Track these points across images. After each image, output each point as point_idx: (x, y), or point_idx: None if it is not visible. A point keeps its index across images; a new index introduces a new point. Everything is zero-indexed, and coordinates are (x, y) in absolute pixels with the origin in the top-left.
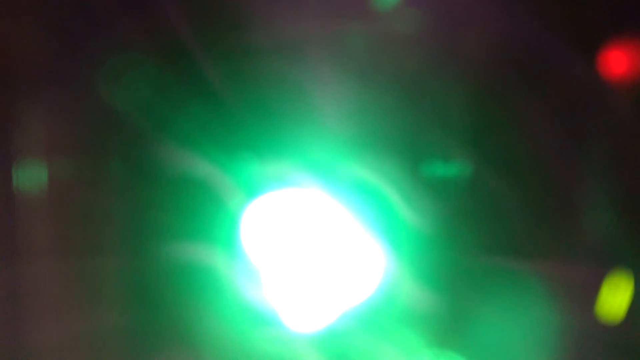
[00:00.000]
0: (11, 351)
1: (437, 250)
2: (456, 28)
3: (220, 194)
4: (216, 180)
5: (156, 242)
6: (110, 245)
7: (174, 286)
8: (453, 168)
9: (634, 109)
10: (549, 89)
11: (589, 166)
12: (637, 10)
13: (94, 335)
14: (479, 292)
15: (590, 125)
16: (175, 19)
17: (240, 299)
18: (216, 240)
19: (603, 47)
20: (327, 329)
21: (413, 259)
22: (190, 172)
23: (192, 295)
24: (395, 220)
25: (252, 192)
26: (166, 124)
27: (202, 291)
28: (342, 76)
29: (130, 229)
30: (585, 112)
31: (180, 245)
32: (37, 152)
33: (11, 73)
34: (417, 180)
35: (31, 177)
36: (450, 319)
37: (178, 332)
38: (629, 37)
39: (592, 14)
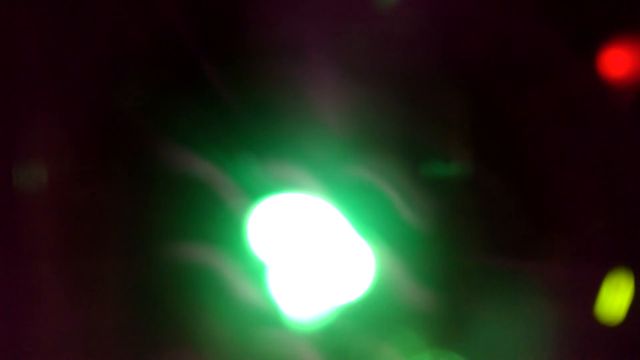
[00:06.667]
0: (11, 350)
1: (436, 250)
2: (456, 28)
3: (222, 196)
4: (218, 181)
5: (157, 243)
6: (111, 246)
7: (174, 286)
8: (453, 168)
9: (634, 109)
10: (549, 89)
11: (589, 166)
12: (637, 10)
13: (94, 335)
14: (478, 292)
15: (590, 125)
16: (176, 20)
17: (241, 299)
18: (217, 241)
19: (603, 47)
20: (327, 328)
21: (413, 258)
22: (191, 172)
23: (193, 296)
24: (395, 220)
25: (254, 194)
26: (168, 124)
27: (203, 291)
28: (343, 76)
29: (131, 230)
30: (585, 111)
31: (181, 246)
32: (37, 152)
33: (12, 73)
34: (417, 180)
35: (31, 177)
36: (450, 319)
37: (179, 332)
38: (629, 37)
39: (592, 14)
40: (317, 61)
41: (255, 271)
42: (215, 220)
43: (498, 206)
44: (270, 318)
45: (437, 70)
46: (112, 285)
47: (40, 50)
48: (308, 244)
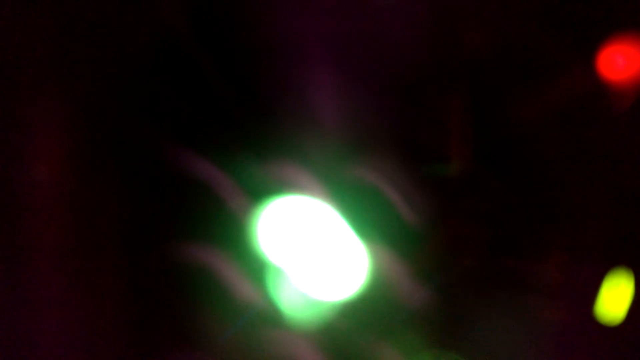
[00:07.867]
0: (11, 350)
1: (436, 250)
2: (455, 28)
3: (223, 197)
4: (218, 182)
5: (157, 243)
6: (113, 247)
7: (176, 287)
8: (453, 168)
9: (633, 109)
10: (550, 89)
11: (589, 166)
12: (637, 10)
13: (94, 335)
14: (478, 292)
15: (590, 125)
16: (176, 19)
17: (242, 300)
18: (218, 242)
19: (603, 47)
20: (327, 328)
21: (412, 259)
22: (192, 173)
23: (194, 296)
24: (395, 220)
25: (254, 195)
26: (169, 125)
27: (204, 292)
28: (343, 76)
29: (133, 231)
30: (585, 111)
31: (182, 247)
32: (37, 153)
33: (12, 73)
34: (416, 180)
35: (35, 176)
36: (449, 319)
37: (180, 332)
38: (629, 37)
39: (592, 14)
40: (317, 61)
41: (257, 272)
42: (215, 221)
43: (497, 206)
44: (270, 318)
45: (436, 70)
46: (114, 285)
47: (41, 50)
48: (309, 245)
